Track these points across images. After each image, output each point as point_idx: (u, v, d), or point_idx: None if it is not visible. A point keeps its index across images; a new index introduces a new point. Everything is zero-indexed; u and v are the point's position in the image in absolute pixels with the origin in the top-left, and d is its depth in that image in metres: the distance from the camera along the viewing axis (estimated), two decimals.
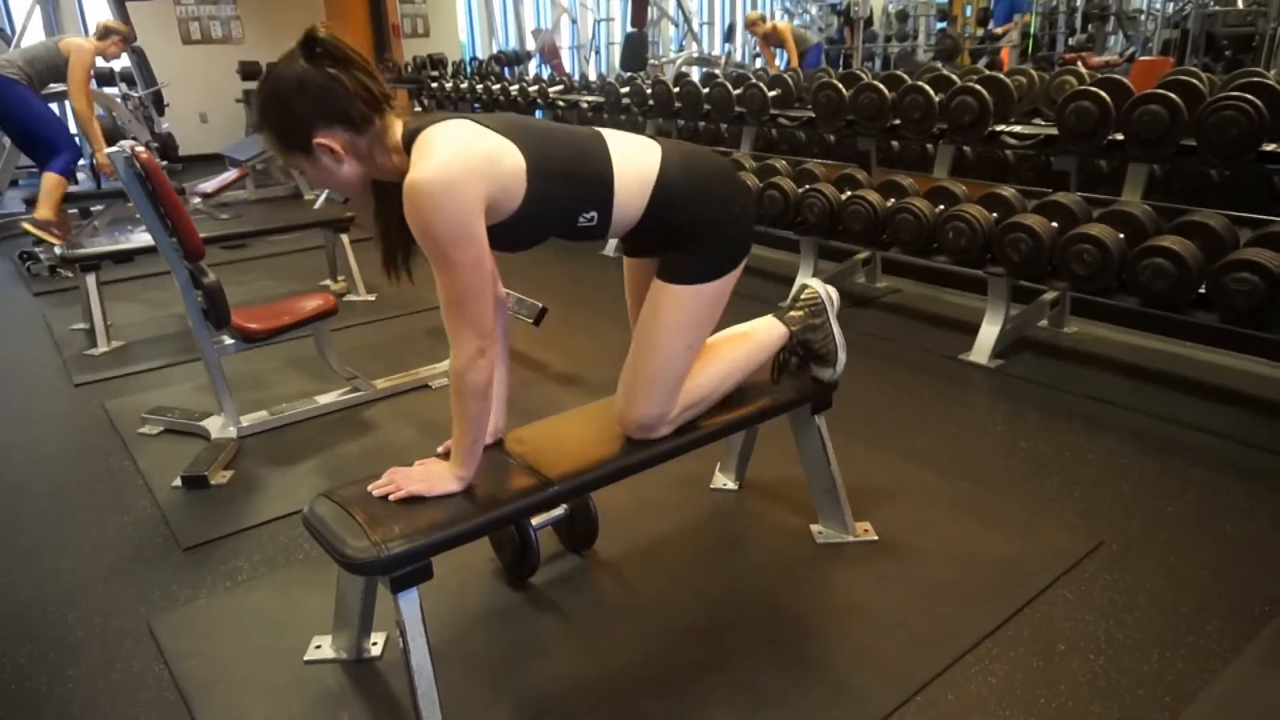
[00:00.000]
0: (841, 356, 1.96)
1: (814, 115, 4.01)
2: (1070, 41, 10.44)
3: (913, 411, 2.93)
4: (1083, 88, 3.05)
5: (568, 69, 10.62)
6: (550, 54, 10.74)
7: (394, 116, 1.49)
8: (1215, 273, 2.57)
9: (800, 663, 1.75)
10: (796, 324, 1.95)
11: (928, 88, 3.51)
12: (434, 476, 1.56)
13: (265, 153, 6.46)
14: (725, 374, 1.84)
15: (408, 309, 4.11)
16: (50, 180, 4.68)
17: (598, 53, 11.19)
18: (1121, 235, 2.82)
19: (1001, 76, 3.42)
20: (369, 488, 1.55)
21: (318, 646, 1.80)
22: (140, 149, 2.33)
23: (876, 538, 2.17)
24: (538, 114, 7.30)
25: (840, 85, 3.81)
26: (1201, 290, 2.65)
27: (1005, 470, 2.52)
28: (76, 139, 5.19)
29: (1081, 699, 1.64)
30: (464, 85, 7.11)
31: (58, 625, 1.93)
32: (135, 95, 6.05)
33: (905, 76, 3.77)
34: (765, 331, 1.93)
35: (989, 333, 3.30)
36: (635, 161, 1.59)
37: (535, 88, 6.29)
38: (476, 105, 7.42)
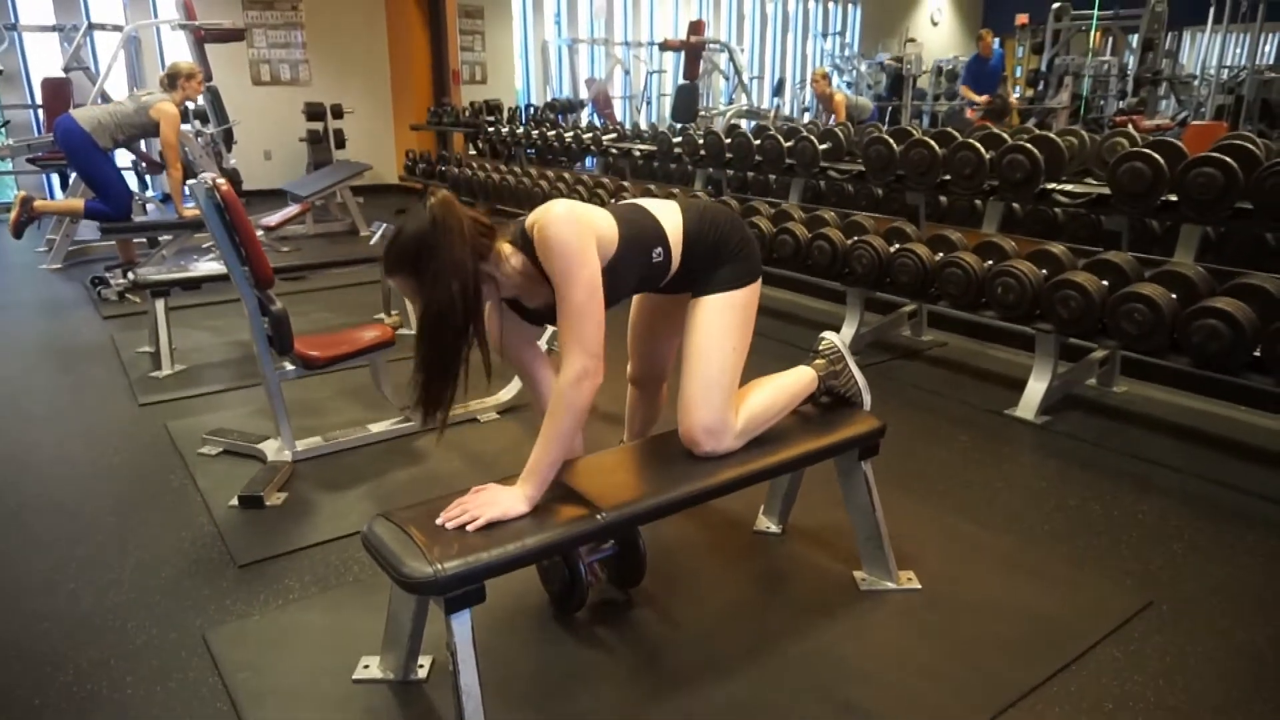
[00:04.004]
0: (866, 397, 2.17)
1: (864, 169, 4.07)
2: (1121, 105, 10.45)
3: (957, 464, 2.92)
4: (1136, 149, 3.08)
5: (619, 118, 10.87)
6: (603, 103, 11.03)
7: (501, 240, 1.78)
8: (1270, 336, 2.55)
9: (846, 708, 1.75)
10: (822, 370, 2.15)
11: (978, 144, 3.56)
12: (503, 501, 1.62)
13: (327, 189, 6.70)
14: (770, 404, 2.00)
15: None
16: (76, 206, 4.99)
17: (649, 103, 11.44)
18: (1174, 296, 2.81)
19: (1053, 136, 3.45)
20: (439, 520, 1.59)
21: (366, 666, 1.84)
22: (221, 181, 2.46)
23: (919, 586, 2.17)
24: (589, 161, 7.49)
25: (891, 140, 3.87)
26: (1256, 353, 2.63)
27: (1051, 526, 2.50)
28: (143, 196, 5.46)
29: None
30: (520, 131, 7.30)
31: (118, 632, 2.00)
32: (207, 132, 6.33)
33: (955, 133, 3.82)
34: (798, 376, 2.12)
35: (1036, 389, 3.29)
36: (668, 214, 1.92)
37: (589, 135, 6.46)
38: (531, 151, 7.63)
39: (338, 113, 8.56)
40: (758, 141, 4.60)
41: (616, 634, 2.00)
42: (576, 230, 1.68)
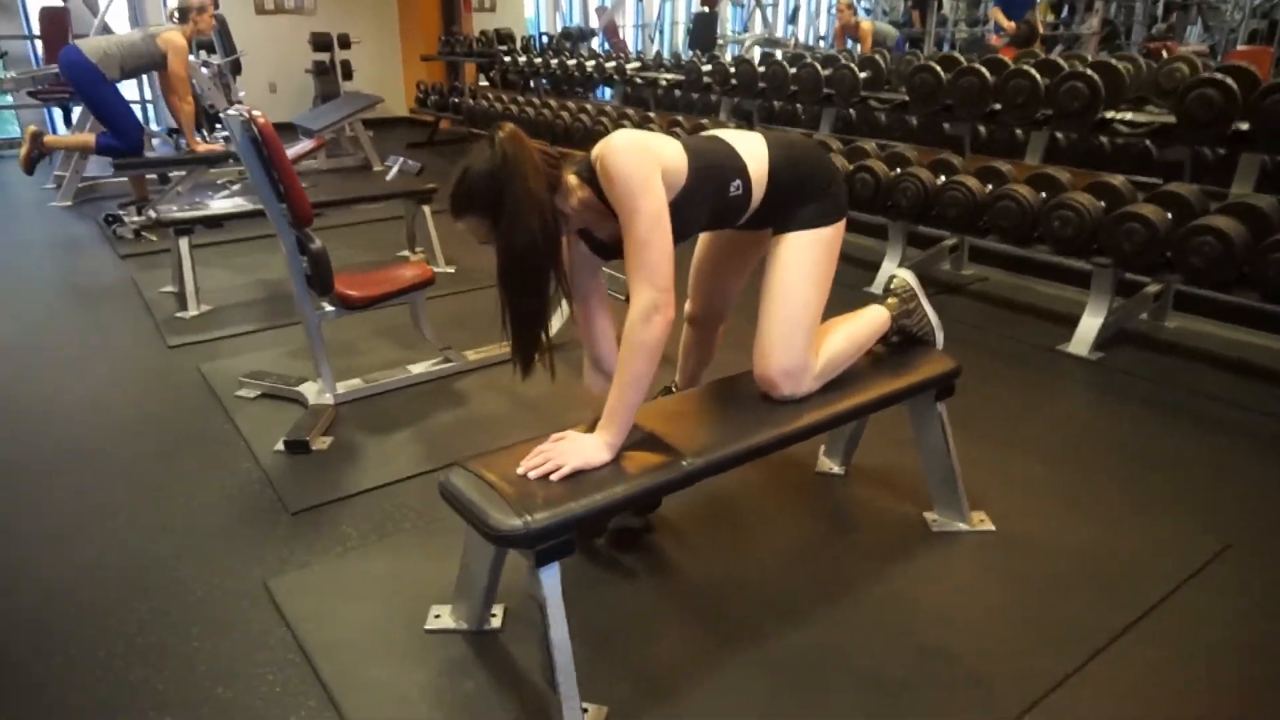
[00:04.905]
0: (939, 335, 2.10)
1: (908, 99, 3.90)
2: (1151, 30, 10.09)
3: (1013, 402, 2.85)
4: (1207, 75, 2.92)
5: (630, 47, 10.54)
6: (612, 32, 10.68)
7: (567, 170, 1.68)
8: None
9: (928, 652, 1.71)
10: (894, 309, 2.06)
11: (1034, 71, 3.39)
12: (586, 449, 1.55)
13: (339, 122, 6.50)
14: (847, 347, 1.93)
15: (488, 283, 4.07)
16: (88, 140, 4.82)
17: (661, 32, 11.08)
18: (1245, 228, 2.70)
19: (1113, 62, 3.29)
20: (521, 469, 1.52)
21: (437, 616, 1.80)
22: (258, 113, 2.34)
23: (994, 528, 2.12)
24: (604, 92, 7.26)
25: (939, 68, 3.70)
26: None
27: (1116, 465, 2.44)
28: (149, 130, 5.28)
29: (1224, 706, 1.57)
30: (538, 60, 7.05)
31: (174, 583, 1.95)
32: (214, 63, 6.11)
33: (1008, 61, 3.65)
34: (872, 316, 2.04)
35: (1090, 324, 3.20)
36: (752, 148, 1.80)
37: (613, 64, 6.22)
38: (545, 82, 7.39)
39: (344, 43, 8.27)
40: (793, 70, 4.41)
41: (684, 582, 1.95)
42: (639, 160, 1.58)
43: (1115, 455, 2.51)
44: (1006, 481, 2.33)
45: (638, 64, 6.06)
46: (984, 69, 3.55)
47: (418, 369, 3.02)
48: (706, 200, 1.73)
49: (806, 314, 1.80)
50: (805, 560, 2.03)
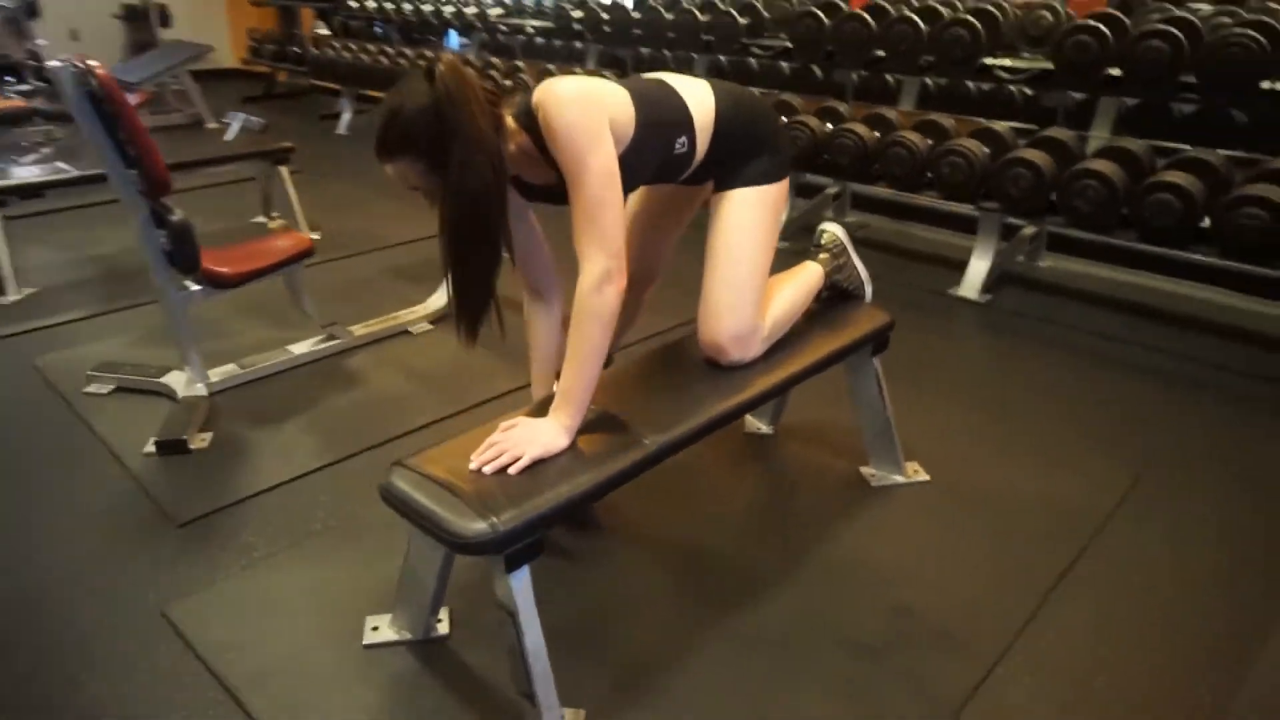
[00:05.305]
0: (868, 288, 2.09)
1: (790, 46, 3.85)
2: None
3: (918, 347, 2.90)
4: (1082, 22, 3.02)
5: None
6: None
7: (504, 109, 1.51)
8: (1221, 208, 2.61)
9: (897, 610, 1.69)
10: (827, 265, 2.00)
11: (916, 18, 3.41)
12: (542, 435, 1.40)
13: (160, 74, 5.82)
14: (789, 308, 1.87)
15: (359, 248, 3.80)
16: None
17: None
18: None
19: (990, 8, 3.35)
20: (474, 464, 1.36)
21: (375, 628, 1.62)
22: (96, 64, 1.98)
23: (929, 478, 2.13)
24: (453, 39, 6.85)
25: (821, 14, 3.66)
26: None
27: (1026, 405, 2.53)
28: None
29: (1179, 630, 1.65)
30: (389, 6, 6.53)
31: (55, 619, 1.67)
32: (4, 4, 5.29)
33: (889, 7, 3.65)
34: (808, 273, 1.98)
35: (979, 268, 3.30)
36: (699, 96, 1.67)
37: (473, 9, 5.84)
38: (380, 29, 6.87)
39: None
40: (670, 16, 4.27)
41: (640, 563, 1.85)
42: (587, 112, 1.43)
43: (1022, 395, 2.59)
44: (929, 429, 2.36)
45: (502, 10, 5.72)
46: (867, 15, 3.53)
47: (300, 349, 2.73)
48: (654, 154, 1.60)
49: (755, 276, 1.71)
50: (756, 527, 1.98)
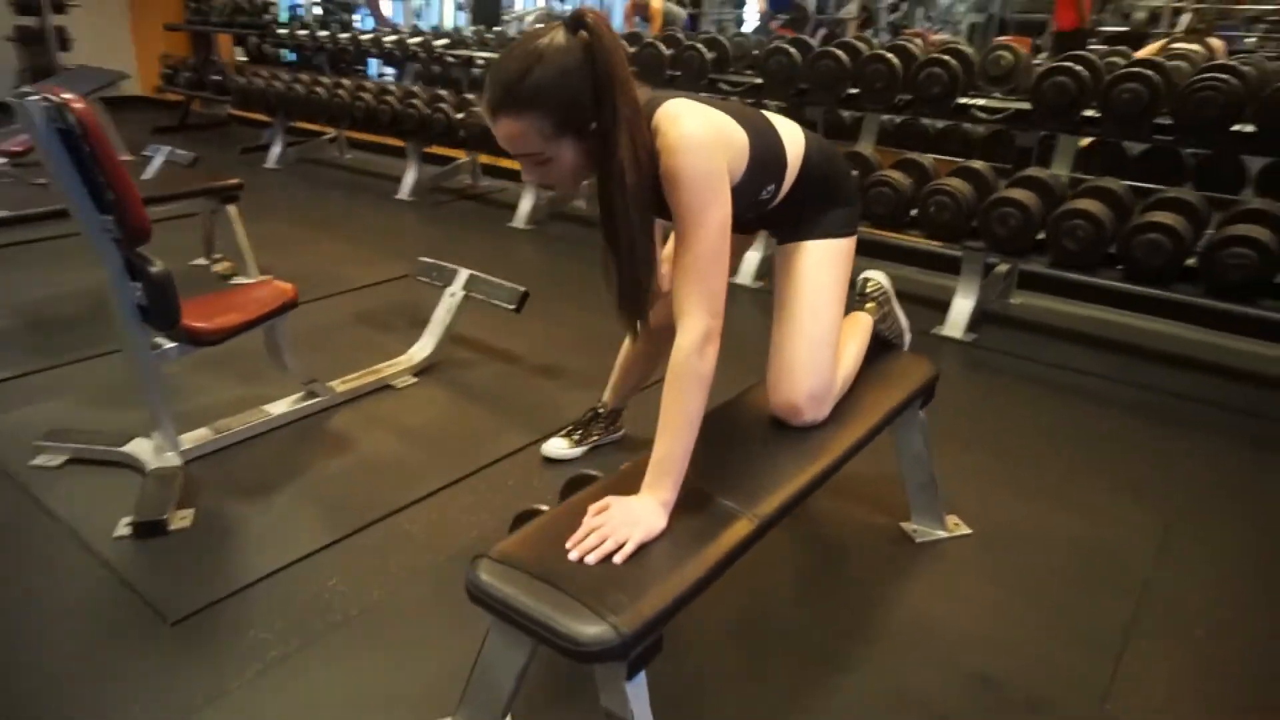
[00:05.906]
0: (907, 337, 2.08)
1: (761, 81, 3.83)
2: (891, 18, 10.95)
3: None
4: (1056, 64, 3.09)
5: (389, 17, 9.77)
6: (373, 2, 9.86)
7: None
8: (1212, 246, 2.68)
9: (976, 679, 1.61)
10: (875, 314, 1.96)
11: (891, 56, 3.44)
12: (644, 517, 1.28)
13: (93, 93, 5.39)
14: (854, 365, 1.82)
15: (317, 292, 3.55)
16: None
17: (428, 4, 10.39)
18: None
19: (963, 48, 3.40)
20: (574, 553, 1.22)
21: None
22: (73, 98, 1.75)
23: (970, 531, 2.08)
24: (370, 68, 6.63)
25: (794, 51, 3.66)
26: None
27: (1035, 448, 2.52)
28: None
29: (1253, 682, 1.62)
30: (322, 35, 6.25)
31: None
32: None
33: (862, 46, 3.68)
34: (863, 328, 1.92)
35: (963, 307, 3.31)
36: (793, 141, 1.60)
37: (418, 40, 5.62)
38: (293, 56, 6.60)
39: (59, 6, 6.91)
40: (634, 49, 4.20)
41: (701, 648, 1.71)
42: (713, 158, 1.35)
43: (1032, 438, 2.59)
44: (955, 478, 2.31)
45: (446, 41, 5.53)
46: (841, 53, 3.54)
47: (278, 409, 2.49)
48: (745, 199, 1.51)
49: (832, 333, 1.64)
50: (811, 596, 1.88)
